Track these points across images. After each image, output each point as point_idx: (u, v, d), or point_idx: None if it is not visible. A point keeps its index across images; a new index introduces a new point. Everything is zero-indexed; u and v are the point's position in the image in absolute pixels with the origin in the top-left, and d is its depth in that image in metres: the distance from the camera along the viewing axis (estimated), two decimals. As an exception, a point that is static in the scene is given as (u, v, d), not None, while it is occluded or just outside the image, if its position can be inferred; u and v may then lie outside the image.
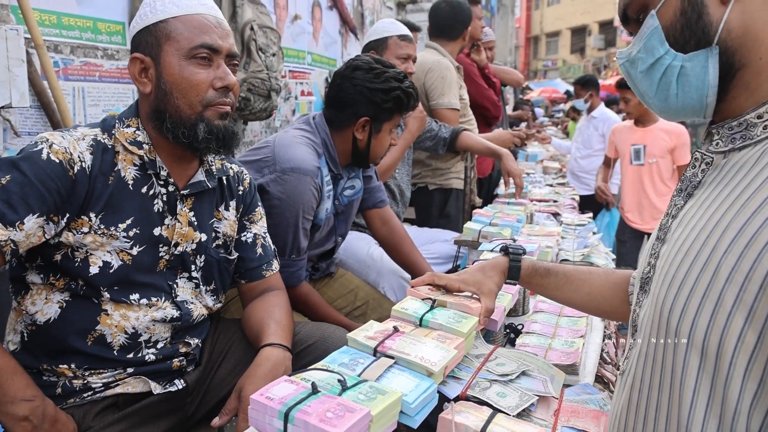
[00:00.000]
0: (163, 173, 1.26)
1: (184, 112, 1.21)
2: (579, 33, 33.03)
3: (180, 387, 1.31)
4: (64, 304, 1.20)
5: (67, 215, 1.14)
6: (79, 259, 1.18)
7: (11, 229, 1.07)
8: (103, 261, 1.19)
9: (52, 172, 1.10)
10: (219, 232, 1.40)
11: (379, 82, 1.76)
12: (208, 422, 1.29)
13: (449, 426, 1.00)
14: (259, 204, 1.52)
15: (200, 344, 1.39)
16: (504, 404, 1.10)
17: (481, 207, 3.00)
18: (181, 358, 1.33)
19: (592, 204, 5.20)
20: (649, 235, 3.93)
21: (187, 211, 1.31)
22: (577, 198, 3.68)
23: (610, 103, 8.20)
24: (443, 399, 1.11)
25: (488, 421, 1.01)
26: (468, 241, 2.22)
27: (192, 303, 1.34)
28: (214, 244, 1.38)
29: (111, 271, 1.20)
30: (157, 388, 1.27)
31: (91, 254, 1.18)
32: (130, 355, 1.25)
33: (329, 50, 3.90)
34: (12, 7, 1.78)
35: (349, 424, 0.81)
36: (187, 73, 1.20)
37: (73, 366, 1.21)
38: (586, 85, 5.68)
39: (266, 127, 3.22)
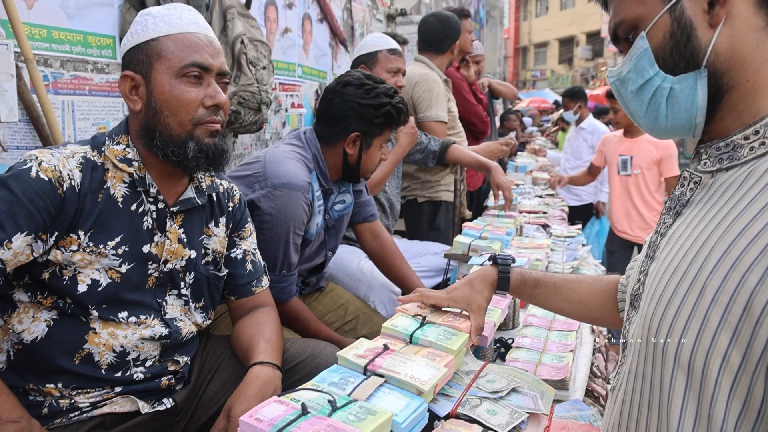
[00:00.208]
0: (153, 190, 1.26)
1: (174, 131, 1.21)
2: (567, 44, 33.36)
3: (169, 406, 1.30)
4: (52, 323, 1.19)
5: (56, 233, 1.13)
6: (67, 277, 1.17)
7: None
8: (91, 279, 1.18)
9: (41, 190, 1.10)
10: (208, 249, 1.39)
11: (369, 97, 1.77)
12: (197, 441, 1.29)
13: (440, 445, 1.00)
14: (249, 220, 1.52)
15: (189, 362, 1.38)
16: (494, 422, 1.10)
17: (471, 220, 3.01)
18: (169, 376, 1.32)
19: (582, 214, 5.23)
20: (638, 245, 3.96)
21: (177, 228, 1.31)
22: (566, 209, 3.71)
23: (600, 113, 8.27)
24: (433, 417, 1.11)
25: (478, 440, 1.01)
26: (458, 255, 2.23)
27: (181, 320, 1.33)
28: (203, 261, 1.38)
29: (99, 289, 1.19)
30: (145, 408, 1.26)
31: (79, 272, 1.17)
32: (118, 374, 1.24)
33: (319, 63, 3.91)
34: (2, 21, 1.77)
35: (339, 447, 0.81)
36: (178, 91, 1.20)
37: (60, 385, 1.20)
38: (574, 96, 5.73)
39: (256, 139, 3.22)
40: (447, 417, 1.12)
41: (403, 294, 2.15)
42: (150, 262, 1.26)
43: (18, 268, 1.14)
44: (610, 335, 2.29)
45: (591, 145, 5.35)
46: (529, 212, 3.33)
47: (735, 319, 0.67)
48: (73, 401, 1.21)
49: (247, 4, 2.71)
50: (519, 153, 6.66)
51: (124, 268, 1.22)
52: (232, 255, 1.45)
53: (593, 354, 1.73)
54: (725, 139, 0.79)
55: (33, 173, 1.10)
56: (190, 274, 1.35)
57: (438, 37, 3.20)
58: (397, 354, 1.15)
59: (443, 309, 1.36)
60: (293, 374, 1.39)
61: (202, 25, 1.27)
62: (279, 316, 1.50)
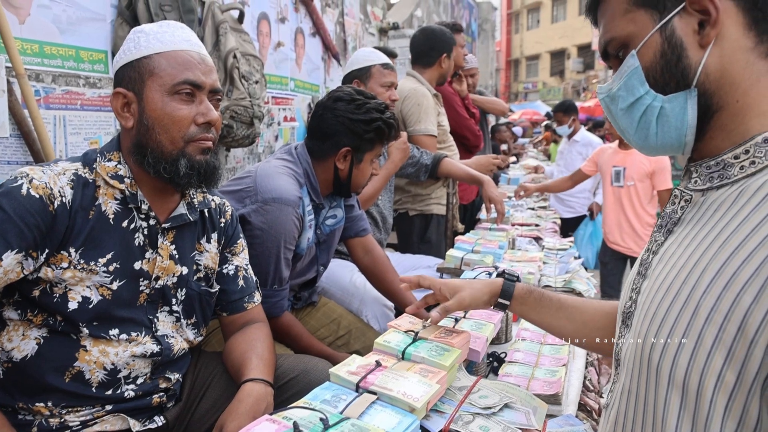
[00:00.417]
0: (144, 207, 1.26)
1: (165, 148, 1.22)
2: (558, 56, 33.65)
3: (160, 424, 1.29)
4: (42, 341, 1.18)
5: (47, 251, 1.13)
6: (57, 295, 1.16)
7: None
8: (82, 296, 1.18)
9: (32, 208, 1.09)
10: (200, 265, 1.39)
11: (360, 113, 1.78)
12: (188, 459, 1.28)
13: (432, 463, 1.00)
14: (241, 236, 1.52)
15: (181, 379, 1.37)
16: (487, 438, 1.10)
17: (463, 233, 3.01)
18: (161, 393, 1.31)
19: (575, 226, 5.25)
20: (630, 257, 3.98)
21: (168, 244, 1.31)
22: (559, 221, 3.72)
23: (596, 126, 8.33)
24: (426, 434, 1.11)
25: (471, 458, 1.01)
26: (450, 268, 2.23)
27: (173, 337, 1.33)
28: (195, 277, 1.38)
29: (90, 306, 1.19)
30: (136, 426, 1.25)
31: (69, 289, 1.17)
32: (109, 392, 1.23)
33: (312, 76, 3.92)
34: (-7, 37, 1.77)
35: (331, 466, 0.81)
36: (170, 108, 1.21)
37: (50, 404, 1.19)
38: (568, 111, 5.76)
39: (249, 153, 3.22)
40: (439, 434, 1.12)
41: (396, 308, 2.15)
42: (141, 279, 1.26)
43: (8, 286, 1.14)
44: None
45: (585, 158, 5.38)
46: (522, 225, 3.34)
47: (729, 339, 0.67)
48: (63, 420, 1.20)
49: (240, 19, 2.72)
50: (512, 165, 6.68)
51: (115, 285, 1.21)
52: (224, 271, 1.45)
53: (586, 368, 1.73)
54: (715, 158, 0.80)
55: (24, 190, 1.09)
56: (181, 290, 1.34)
57: (424, 50, 3.23)
58: (389, 370, 1.15)
59: (436, 324, 1.36)
60: (285, 390, 1.39)
61: (195, 43, 1.28)
62: (271, 332, 1.50)
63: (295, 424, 0.90)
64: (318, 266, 1.99)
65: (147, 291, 1.27)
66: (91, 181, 1.21)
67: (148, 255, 1.27)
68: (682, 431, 0.72)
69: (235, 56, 2.49)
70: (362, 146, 1.82)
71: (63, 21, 2.01)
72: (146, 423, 1.27)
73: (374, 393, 1.07)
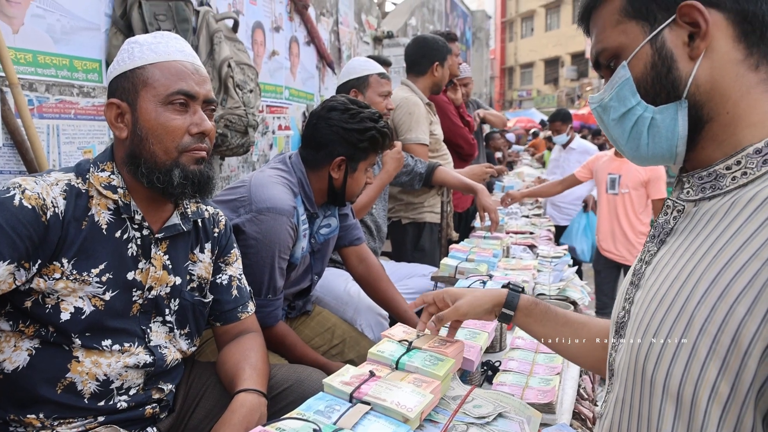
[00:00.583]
0: (138, 217, 1.26)
1: (159, 158, 1.22)
2: (552, 64, 33.84)
3: (153, 435, 1.28)
4: (34, 352, 1.18)
5: (39, 261, 1.13)
6: (49, 306, 1.16)
7: None
8: (74, 307, 1.17)
9: (24, 218, 1.09)
10: (194, 275, 1.39)
11: (354, 122, 1.79)
12: (181, 471, 1.27)
13: (426, 474, 0.99)
14: (235, 245, 1.51)
15: (174, 390, 1.36)
16: (481, 448, 1.09)
17: (458, 241, 3.02)
18: (154, 404, 1.30)
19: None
20: (623, 266, 3.99)
21: (162, 254, 1.30)
22: (553, 229, 3.73)
23: (596, 134, 8.36)
24: (420, 444, 1.10)
25: (465, 468, 1.00)
26: (445, 277, 2.23)
27: (166, 347, 1.32)
28: (188, 287, 1.37)
29: (83, 317, 1.18)
30: (128, 437, 1.24)
31: (62, 300, 1.16)
32: (101, 403, 1.22)
33: (307, 85, 3.94)
34: (-14, 46, 1.77)
35: (324, 478, 0.81)
36: (164, 119, 1.21)
37: (41, 415, 1.18)
38: (566, 119, 5.77)
39: (243, 162, 3.22)
40: (433, 444, 1.11)
41: (390, 317, 2.15)
42: (134, 289, 1.26)
43: (-1, 297, 1.13)
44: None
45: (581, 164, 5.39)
46: (516, 233, 3.35)
47: (723, 350, 0.67)
48: (54, 431, 1.19)
49: (234, 28, 2.73)
50: (507, 172, 6.70)
51: (108, 296, 1.21)
52: (218, 281, 1.45)
53: (580, 376, 1.73)
54: (707, 169, 0.80)
55: (16, 201, 1.09)
56: (175, 300, 1.34)
57: (416, 58, 3.25)
58: (383, 380, 1.14)
59: (429, 333, 1.36)
60: (279, 401, 1.38)
61: (189, 54, 1.28)
62: (265, 341, 1.49)
63: (288, 436, 0.90)
64: (312, 275, 1.99)
65: (140, 301, 1.27)
66: (84, 191, 1.21)
67: (141, 265, 1.27)
68: None
69: (229, 65, 2.50)
70: (356, 155, 1.82)
71: (57, 30, 2.01)
72: (139, 434, 1.26)
73: (368, 403, 1.06)
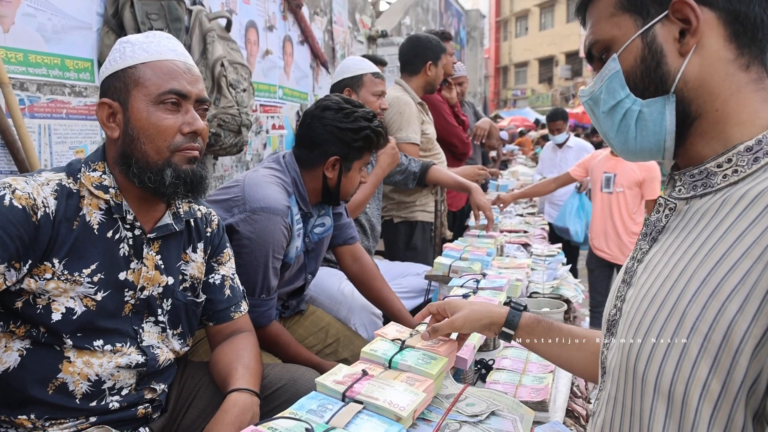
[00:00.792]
0: (130, 217, 1.25)
1: (151, 158, 1.21)
2: (546, 63, 33.92)
3: (145, 435, 1.28)
4: (25, 352, 1.17)
5: (30, 262, 1.12)
6: (40, 306, 1.15)
7: None
8: (66, 307, 1.17)
9: (14, 218, 1.08)
10: (186, 275, 1.38)
11: (348, 121, 1.79)
12: (174, 471, 1.26)
13: (418, 473, 0.99)
14: (228, 245, 1.51)
15: (166, 390, 1.36)
16: (474, 447, 1.10)
17: (452, 240, 3.02)
18: (146, 404, 1.30)
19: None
20: (616, 265, 3.99)
21: (154, 254, 1.30)
22: (547, 228, 3.74)
23: (593, 132, 8.35)
24: (413, 443, 1.10)
25: (457, 467, 1.00)
26: (439, 276, 2.24)
27: (158, 348, 1.32)
28: (181, 287, 1.37)
29: (74, 317, 1.18)
30: (121, 437, 1.24)
31: (53, 300, 1.16)
32: (93, 404, 1.22)
33: (300, 84, 3.93)
34: (-23, 46, 1.76)
35: (315, 477, 0.80)
36: (155, 118, 1.20)
37: (32, 416, 1.17)
38: (566, 118, 5.75)
39: (237, 161, 3.21)
40: (426, 442, 1.11)
41: (384, 316, 2.15)
42: (126, 290, 1.25)
43: (-10, 297, 1.13)
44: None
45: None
46: (510, 231, 3.35)
47: (714, 348, 0.67)
48: (46, 432, 1.18)
49: (227, 27, 2.72)
50: (501, 171, 6.70)
51: (99, 296, 1.20)
52: (210, 280, 1.44)
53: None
54: (699, 167, 0.81)
55: (6, 201, 1.09)
56: (167, 300, 1.34)
57: (409, 57, 3.25)
58: (375, 379, 1.14)
59: (422, 332, 1.36)
60: (273, 400, 1.38)
61: (181, 53, 1.28)
62: (259, 341, 1.49)
63: (281, 435, 0.90)
64: (306, 275, 1.98)
65: (132, 301, 1.27)
66: (75, 191, 1.20)
67: (133, 265, 1.26)
68: None
69: (222, 64, 2.49)
70: (351, 155, 1.82)
71: (48, 29, 2.00)
72: (131, 435, 1.26)
73: (360, 402, 1.06)
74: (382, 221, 3.17)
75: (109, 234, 1.23)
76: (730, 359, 0.66)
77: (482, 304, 1.28)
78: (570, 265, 2.67)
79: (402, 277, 2.60)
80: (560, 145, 5.60)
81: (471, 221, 3.49)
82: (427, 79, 3.27)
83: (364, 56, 3.47)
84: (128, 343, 1.26)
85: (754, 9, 0.77)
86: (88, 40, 2.17)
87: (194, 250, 1.41)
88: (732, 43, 0.78)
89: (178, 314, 1.36)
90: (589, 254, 4.24)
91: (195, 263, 1.40)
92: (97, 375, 1.21)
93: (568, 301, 2.15)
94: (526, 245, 3.01)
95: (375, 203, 2.78)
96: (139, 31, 2.11)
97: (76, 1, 2.10)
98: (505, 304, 1.31)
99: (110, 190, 1.23)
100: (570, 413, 1.51)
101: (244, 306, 1.50)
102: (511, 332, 1.21)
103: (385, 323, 2.09)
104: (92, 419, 1.22)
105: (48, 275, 1.14)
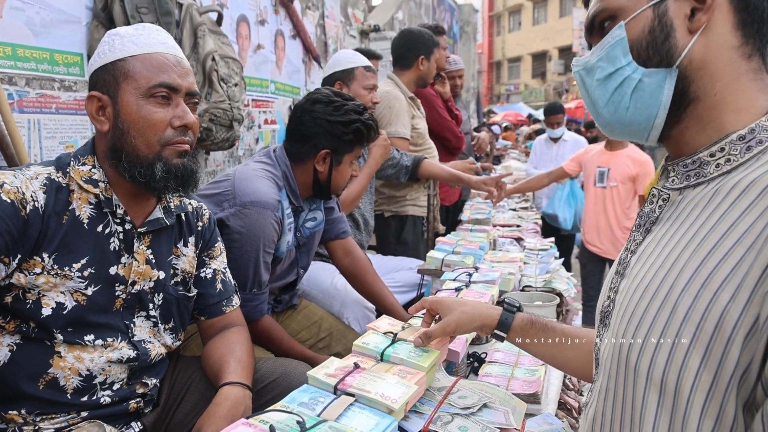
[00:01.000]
0: (120, 211, 1.24)
1: (141, 152, 1.20)
2: (540, 58, 33.94)
3: (137, 430, 1.27)
4: (15, 347, 1.16)
5: (19, 256, 1.11)
6: (30, 301, 1.15)
7: None
8: (56, 302, 1.16)
9: (3, 213, 1.07)
10: (177, 269, 1.38)
11: (338, 114, 1.78)
12: (166, 465, 1.26)
13: (410, 464, 1.00)
14: (219, 239, 1.51)
15: (158, 384, 1.36)
16: (465, 438, 1.10)
17: (445, 234, 3.02)
18: (138, 399, 1.30)
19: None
20: (608, 260, 4.00)
21: (145, 248, 1.29)
22: (540, 222, 3.74)
23: (590, 126, 8.35)
24: (405, 435, 1.11)
25: (449, 458, 1.01)
26: (431, 270, 2.24)
27: (150, 342, 1.31)
28: (172, 282, 1.36)
29: (64, 312, 1.17)
30: (112, 432, 1.23)
31: (43, 295, 1.15)
32: (85, 398, 1.21)
33: (293, 79, 3.91)
34: (-36, 39, 1.74)
35: (306, 469, 0.81)
36: (145, 112, 1.20)
37: (23, 411, 1.17)
38: (564, 112, 5.72)
39: (229, 156, 3.20)
40: (418, 434, 1.12)
41: (377, 310, 2.15)
42: (117, 284, 1.25)
43: (-21, 293, 1.12)
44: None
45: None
46: (503, 226, 3.36)
47: (707, 338, 0.67)
48: (37, 428, 1.18)
49: (218, 21, 2.70)
50: (494, 166, 6.71)
51: (90, 291, 1.20)
52: (202, 275, 1.44)
53: (566, 366, 1.74)
54: (691, 156, 0.81)
55: None
56: (158, 295, 1.33)
57: (401, 52, 3.25)
58: (367, 372, 1.14)
59: (415, 325, 1.36)
60: (265, 394, 1.38)
61: (171, 45, 1.27)
62: (251, 335, 1.49)
63: (272, 428, 0.90)
64: (298, 269, 1.98)
65: (123, 296, 1.26)
66: (64, 185, 1.19)
67: (123, 260, 1.26)
68: (659, 430, 0.72)
69: (213, 59, 2.48)
70: (341, 148, 1.82)
71: (36, 23, 1.98)
72: (123, 429, 1.26)
73: (352, 395, 1.07)
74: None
75: (99, 228, 1.22)
76: (721, 348, 0.66)
77: (474, 306, 1.26)
78: (563, 259, 2.67)
79: (395, 272, 2.60)
80: (555, 140, 5.56)
81: (464, 216, 3.50)
82: (420, 74, 3.26)
83: (360, 50, 3.46)
84: (119, 338, 1.25)
85: (763, 2, 0.78)
86: (78, 34, 2.15)
87: (185, 245, 1.40)
88: (739, 31, 0.78)
89: (170, 309, 1.36)
90: (581, 248, 4.25)
91: (186, 257, 1.40)
92: (88, 370, 1.20)
93: (560, 295, 2.16)
94: (518, 239, 3.01)
95: (368, 197, 2.78)
96: (128, 24, 2.09)
97: (64, -6, 2.08)
98: (499, 303, 1.30)
99: (100, 184, 1.23)
100: (562, 405, 1.52)
101: (236, 300, 1.50)
102: (504, 335, 1.21)
103: (377, 317, 2.10)
104: (84, 414, 1.22)
105: (38, 270, 1.14)
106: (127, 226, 1.26)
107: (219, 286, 1.46)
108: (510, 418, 1.20)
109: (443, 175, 3.06)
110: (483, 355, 1.64)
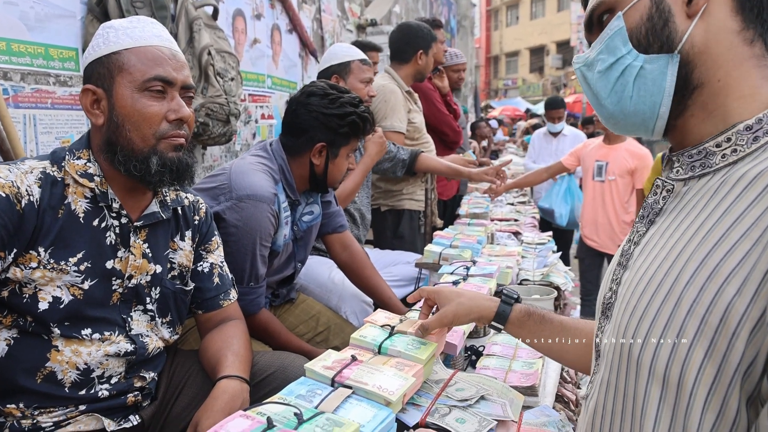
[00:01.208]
0: (116, 205, 1.24)
1: (136, 145, 1.20)
2: (537, 53, 33.90)
3: (135, 423, 1.27)
4: (12, 342, 1.16)
5: (15, 250, 1.11)
6: (27, 295, 1.14)
7: None
8: (52, 296, 1.16)
9: None
10: (174, 263, 1.38)
11: (334, 107, 1.78)
12: (164, 458, 1.26)
13: (407, 456, 1.00)
14: (216, 233, 1.50)
15: (156, 378, 1.36)
16: (463, 430, 1.10)
17: (442, 228, 3.02)
18: (136, 392, 1.30)
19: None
20: (606, 255, 4.00)
21: (141, 242, 1.29)
22: (538, 216, 3.74)
23: (586, 122, 8.33)
24: (403, 427, 1.11)
25: (446, 449, 1.01)
26: (429, 264, 2.24)
27: (147, 336, 1.31)
28: (169, 276, 1.36)
29: (61, 306, 1.17)
30: (111, 425, 1.23)
31: (39, 290, 1.15)
32: (83, 392, 1.21)
33: (289, 73, 3.90)
34: (-41, 34, 1.73)
35: (303, 460, 0.81)
36: (140, 105, 1.19)
37: (21, 405, 1.17)
38: (565, 106, 5.70)
39: (226, 151, 3.19)
40: (416, 426, 1.12)
41: (374, 304, 2.15)
42: (114, 278, 1.24)
43: (-25, 288, 1.12)
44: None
45: None
46: (501, 220, 3.36)
47: (711, 331, 0.67)
48: (35, 421, 1.18)
49: (214, 15, 2.69)
50: (491, 159, 6.71)
51: (86, 285, 1.20)
52: (199, 268, 1.44)
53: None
54: (697, 147, 0.80)
55: None
56: (155, 289, 1.33)
57: (400, 46, 3.23)
58: (365, 365, 1.15)
59: (412, 318, 1.37)
60: (263, 387, 1.38)
61: (166, 39, 1.26)
62: (248, 329, 1.49)
63: (269, 419, 0.90)
64: (295, 263, 1.98)
65: (120, 290, 1.26)
66: (59, 179, 1.19)
67: (120, 254, 1.25)
68: (661, 423, 0.71)
69: (209, 53, 2.47)
70: (337, 141, 1.81)
71: (31, 18, 1.97)
72: (121, 422, 1.26)
73: (350, 387, 1.07)
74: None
75: (95, 222, 1.22)
76: (726, 342, 0.65)
77: (472, 297, 1.26)
78: (560, 253, 2.67)
79: (392, 266, 2.60)
80: (555, 134, 5.52)
81: (461, 210, 3.50)
82: (418, 68, 3.25)
83: (361, 42, 3.45)
84: (117, 332, 1.25)
85: None
86: (72, 29, 2.14)
87: (182, 238, 1.40)
88: (738, 16, 0.77)
89: (167, 302, 1.36)
90: (580, 243, 4.25)
91: (183, 251, 1.40)
92: (85, 363, 1.20)
93: (558, 288, 2.16)
94: (516, 234, 3.02)
95: (365, 192, 2.78)
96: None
97: (59, -12, 2.07)
98: (497, 293, 1.30)
99: (95, 178, 1.22)
100: (559, 398, 1.52)
101: (233, 294, 1.50)
102: (500, 327, 1.21)
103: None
104: (82, 407, 1.22)
105: (34, 264, 1.13)
106: (123, 220, 1.26)
107: (216, 279, 1.46)
108: (507, 410, 1.20)
109: (441, 169, 3.05)
110: (481, 349, 1.64)
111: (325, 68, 2.60)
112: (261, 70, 3.52)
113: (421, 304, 1.36)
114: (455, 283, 1.76)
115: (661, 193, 0.84)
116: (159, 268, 1.33)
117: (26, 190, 1.12)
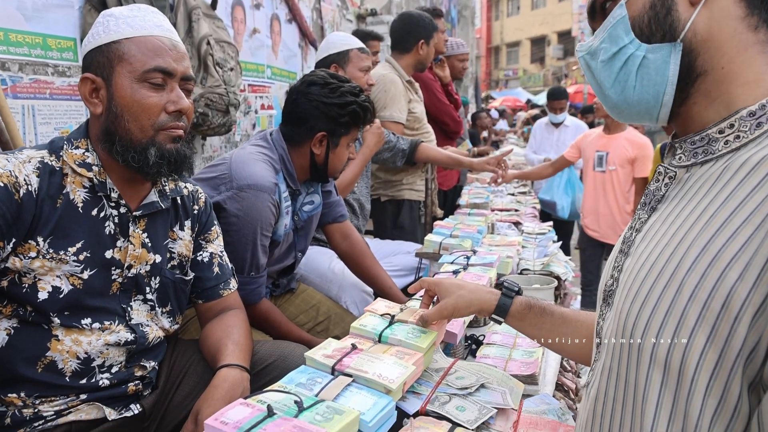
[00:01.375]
0: (114, 195, 1.24)
1: (135, 136, 1.20)
2: (538, 43, 33.75)
3: (136, 412, 1.28)
4: (12, 331, 1.16)
5: (13, 240, 1.11)
6: (26, 285, 1.14)
7: None
8: (52, 286, 1.16)
9: None
10: (174, 253, 1.38)
11: (334, 96, 1.77)
12: (165, 447, 1.27)
13: (408, 443, 1.00)
14: (215, 223, 1.50)
15: (157, 367, 1.36)
16: (463, 418, 1.11)
17: (443, 218, 3.02)
18: (136, 382, 1.30)
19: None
20: (607, 245, 4.00)
21: (140, 232, 1.29)
22: (538, 206, 3.73)
23: (585, 111, 8.31)
24: (403, 415, 1.11)
25: (446, 437, 1.01)
26: (429, 254, 2.24)
27: (147, 325, 1.31)
28: (169, 265, 1.36)
29: (61, 296, 1.17)
30: (112, 414, 1.24)
31: (39, 279, 1.15)
32: (83, 381, 1.22)
33: (289, 63, 3.89)
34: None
35: (304, 447, 0.81)
36: (139, 96, 1.19)
37: (22, 394, 1.17)
38: (568, 96, 5.66)
39: (226, 141, 3.19)
40: (416, 414, 1.12)
41: (374, 294, 2.15)
42: (113, 268, 1.24)
43: (-26, 277, 1.12)
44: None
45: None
46: (501, 210, 3.36)
47: (713, 317, 0.66)
48: (36, 410, 1.18)
49: (213, 5, 2.68)
50: (492, 151, 6.69)
51: (86, 275, 1.20)
52: (199, 258, 1.44)
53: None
54: (700, 133, 0.79)
55: None
56: (155, 278, 1.33)
57: (401, 35, 3.21)
58: (365, 353, 1.15)
59: (412, 307, 1.37)
60: (263, 376, 1.38)
61: (167, 28, 1.26)
62: (249, 319, 1.49)
63: (269, 407, 0.90)
64: (296, 253, 1.98)
65: (119, 280, 1.26)
66: (58, 169, 1.18)
67: (119, 243, 1.25)
68: (662, 409, 0.71)
69: (208, 43, 2.46)
70: (337, 130, 1.81)
71: (28, 7, 1.96)
72: (122, 411, 1.26)
73: (350, 375, 1.07)
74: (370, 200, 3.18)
75: (94, 212, 1.22)
76: (728, 327, 0.65)
77: (472, 290, 1.26)
78: (561, 242, 2.67)
79: (393, 256, 2.60)
80: (557, 125, 5.47)
81: (462, 200, 3.49)
82: (419, 58, 3.23)
83: (362, 31, 3.44)
84: (116, 321, 1.25)
85: None
86: (71, 19, 2.13)
87: (181, 228, 1.40)
88: (742, 1, 0.77)
89: (167, 292, 1.36)
90: (580, 233, 4.25)
91: (182, 241, 1.40)
92: (86, 353, 1.21)
93: (558, 278, 2.16)
94: (517, 224, 3.01)
95: (364, 182, 2.78)
96: (122, 8, 2.07)
97: (57, -22, 2.06)
98: (497, 286, 1.30)
99: (93, 167, 1.22)
100: (559, 387, 1.52)
101: (234, 283, 1.50)
102: (501, 319, 1.21)
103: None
104: (83, 396, 1.22)
105: (33, 254, 1.13)
106: (122, 210, 1.26)
107: (216, 269, 1.46)
108: (507, 398, 1.20)
109: (441, 159, 3.05)
110: (481, 338, 1.64)
111: (324, 57, 2.59)
112: (260, 60, 3.51)
113: (421, 293, 1.35)
114: (455, 272, 1.76)
115: (663, 179, 0.84)
116: (158, 258, 1.33)
117: (24, 180, 1.11)
